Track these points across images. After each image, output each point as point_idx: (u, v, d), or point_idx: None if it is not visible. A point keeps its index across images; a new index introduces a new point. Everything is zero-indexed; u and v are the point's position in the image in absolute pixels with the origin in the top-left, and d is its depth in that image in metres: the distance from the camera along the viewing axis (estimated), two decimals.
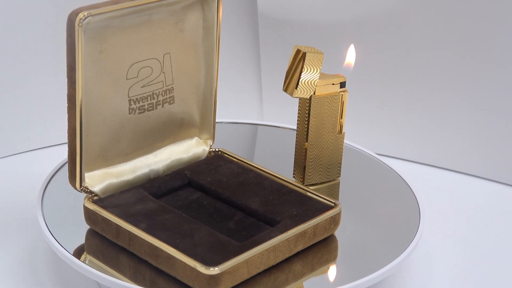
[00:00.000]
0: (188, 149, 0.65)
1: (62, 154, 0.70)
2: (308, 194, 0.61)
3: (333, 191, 0.66)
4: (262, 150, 0.73)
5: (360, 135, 0.78)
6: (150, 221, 0.57)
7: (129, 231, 0.56)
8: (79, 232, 0.59)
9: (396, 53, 0.75)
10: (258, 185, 0.62)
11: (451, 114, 0.75)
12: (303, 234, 0.57)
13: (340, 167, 0.67)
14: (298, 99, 0.65)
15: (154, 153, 0.63)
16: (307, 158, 0.65)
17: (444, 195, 0.73)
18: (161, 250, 0.54)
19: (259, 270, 0.55)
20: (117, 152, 0.60)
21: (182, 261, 0.53)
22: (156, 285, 0.54)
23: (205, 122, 0.65)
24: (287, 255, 0.57)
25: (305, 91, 0.63)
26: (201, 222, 0.58)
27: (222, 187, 0.62)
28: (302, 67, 0.62)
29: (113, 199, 0.59)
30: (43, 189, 0.63)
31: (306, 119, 0.64)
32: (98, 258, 0.57)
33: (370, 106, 0.78)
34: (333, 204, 0.60)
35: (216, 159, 0.65)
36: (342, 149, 0.67)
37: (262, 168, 0.64)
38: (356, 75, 0.75)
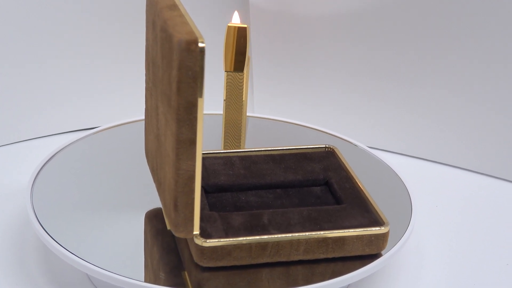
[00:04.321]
0: None
1: (47, 146, 0.73)
2: (299, 151, 0.65)
3: None
4: (252, 142, 0.70)
5: (352, 128, 0.77)
6: (270, 227, 0.55)
7: (278, 241, 0.54)
8: (69, 226, 0.59)
9: (389, 48, 0.74)
10: (259, 163, 0.63)
11: (443, 108, 0.75)
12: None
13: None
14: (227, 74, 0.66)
15: None
16: (242, 125, 0.67)
17: (435, 189, 0.73)
18: (327, 238, 0.54)
19: None
20: None
21: (354, 235, 0.55)
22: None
23: None
24: None
25: (248, 64, 0.65)
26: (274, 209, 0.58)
27: (241, 178, 0.61)
28: (247, 43, 0.64)
29: (210, 228, 0.55)
30: (32, 181, 0.62)
31: (241, 89, 0.66)
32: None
33: (362, 100, 0.77)
34: (326, 147, 0.65)
35: None
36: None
37: (231, 151, 0.64)
38: (349, 69, 0.75)
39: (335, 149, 0.65)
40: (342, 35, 0.75)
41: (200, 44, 0.48)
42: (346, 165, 0.63)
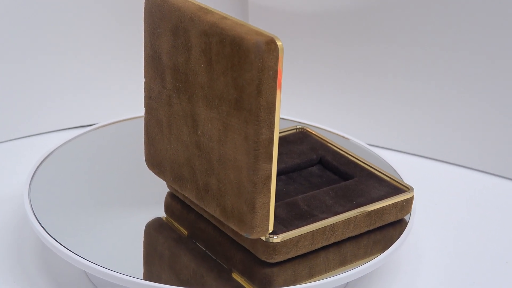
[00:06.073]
0: None
1: (45, 143, 0.73)
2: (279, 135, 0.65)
3: None
4: None
5: (351, 126, 0.75)
6: (314, 211, 0.56)
7: (333, 223, 0.56)
8: (68, 223, 0.58)
9: (387, 44, 0.72)
10: None
11: (443, 105, 0.74)
12: None
13: None
14: None
15: None
16: None
17: (435, 186, 0.73)
18: (371, 211, 0.57)
19: None
20: None
21: (391, 204, 0.58)
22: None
23: None
24: None
25: None
26: (308, 191, 0.60)
27: None
28: None
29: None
30: (29, 179, 0.62)
31: None
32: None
33: (361, 97, 0.75)
34: (298, 128, 0.67)
35: None
36: None
37: None
38: (348, 67, 0.74)
39: (307, 129, 0.68)
40: (340, 32, 0.75)
41: (279, 43, 0.48)
42: (328, 141, 0.66)
